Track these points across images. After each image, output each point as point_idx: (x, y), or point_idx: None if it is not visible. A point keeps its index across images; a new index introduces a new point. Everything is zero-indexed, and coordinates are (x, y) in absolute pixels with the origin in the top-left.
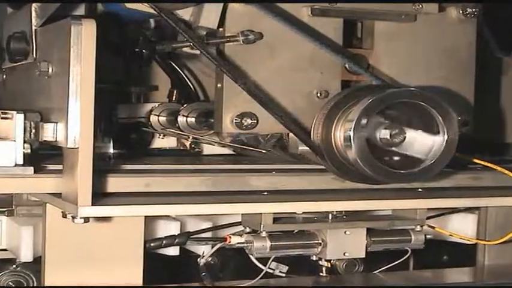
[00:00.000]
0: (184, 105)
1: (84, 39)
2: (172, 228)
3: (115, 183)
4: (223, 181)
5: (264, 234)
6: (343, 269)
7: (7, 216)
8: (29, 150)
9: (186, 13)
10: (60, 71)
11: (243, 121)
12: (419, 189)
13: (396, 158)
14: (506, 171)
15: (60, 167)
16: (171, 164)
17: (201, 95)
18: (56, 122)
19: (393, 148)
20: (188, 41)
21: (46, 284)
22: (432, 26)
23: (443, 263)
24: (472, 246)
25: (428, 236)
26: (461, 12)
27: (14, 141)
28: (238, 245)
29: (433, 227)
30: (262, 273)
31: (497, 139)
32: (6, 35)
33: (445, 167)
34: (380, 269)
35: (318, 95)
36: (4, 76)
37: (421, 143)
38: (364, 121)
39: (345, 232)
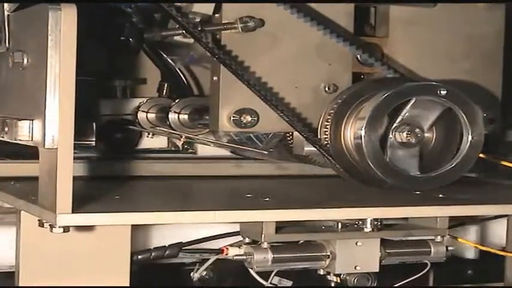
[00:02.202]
0: (176, 101)
1: (63, 26)
2: (162, 238)
3: (98, 188)
4: (220, 185)
5: (265, 245)
6: (355, 284)
7: None
8: None
9: None
10: (36, 61)
11: (241, 118)
12: (440, 195)
13: (414, 161)
14: None
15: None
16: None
17: (194, 89)
18: (32, 120)
19: (410, 149)
20: (181, 29)
21: None
22: (455, 11)
23: (467, 278)
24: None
25: (450, 248)
26: None
27: None
28: (237, 257)
29: (455, 238)
30: None
31: None
32: None
33: (469, 170)
34: (396, 285)
35: (326, 89)
36: None
37: (442, 144)
38: (377, 119)
39: (356, 243)
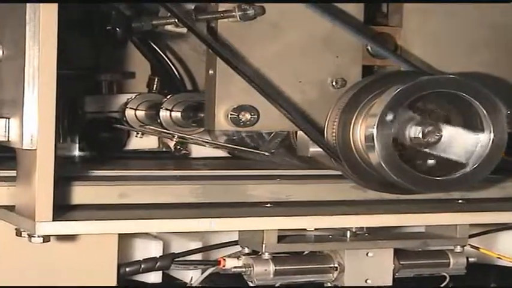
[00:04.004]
0: (168, 97)
1: (43, 15)
2: (152, 249)
3: (82, 193)
4: (216, 190)
5: (266, 256)
6: None
7: None
8: None
9: None
10: (13, 53)
11: (240, 116)
12: (460, 201)
13: (430, 162)
14: None
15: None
16: (151, 169)
17: (188, 83)
18: (8, 117)
19: (426, 149)
20: (172, 17)
21: None
22: None
23: None
24: None
25: (471, 259)
26: None
27: None
28: (235, 269)
29: (477, 248)
30: None
31: None
32: None
33: (491, 172)
34: None
35: (334, 83)
36: None
37: (461, 143)
38: (390, 116)
39: (367, 254)
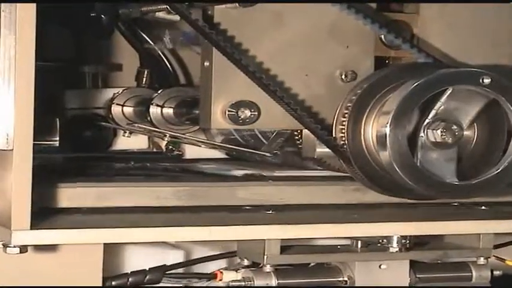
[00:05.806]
0: (159, 91)
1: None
2: (141, 261)
3: (63, 198)
4: (213, 195)
5: (268, 268)
6: None
7: None
8: None
9: None
10: None
11: (239, 113)
12: (483, 207)
13: (450, 165)
14: None
15: None
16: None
17: (181, 76)
18: None
19: (446, 151)
20: (164, 3)
21: None
22: None
23: None
24: None
25: (495, 272)
26: None
27: None
28: (233, 283)
29: (503, 260)
30: None
31: None
32: None
33: None
34: None
35: (343, 77)
36: None
37: (485, 144)
38: (405, 114)
39: (379, 266)
